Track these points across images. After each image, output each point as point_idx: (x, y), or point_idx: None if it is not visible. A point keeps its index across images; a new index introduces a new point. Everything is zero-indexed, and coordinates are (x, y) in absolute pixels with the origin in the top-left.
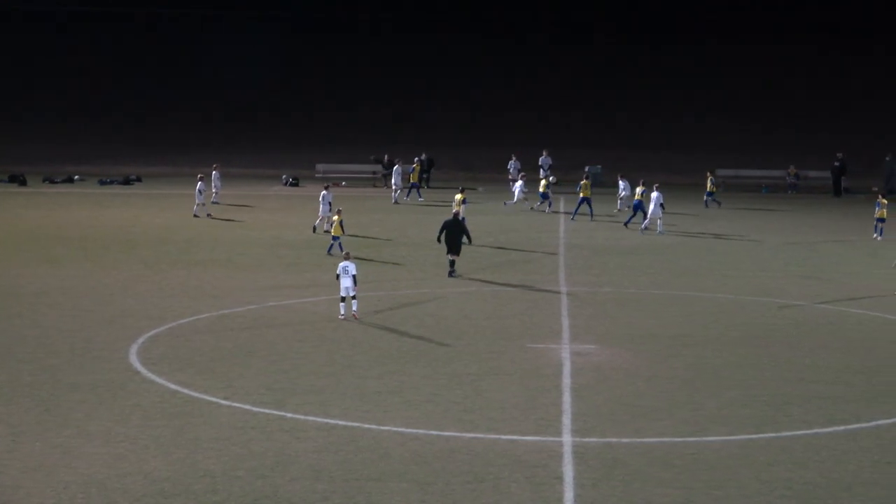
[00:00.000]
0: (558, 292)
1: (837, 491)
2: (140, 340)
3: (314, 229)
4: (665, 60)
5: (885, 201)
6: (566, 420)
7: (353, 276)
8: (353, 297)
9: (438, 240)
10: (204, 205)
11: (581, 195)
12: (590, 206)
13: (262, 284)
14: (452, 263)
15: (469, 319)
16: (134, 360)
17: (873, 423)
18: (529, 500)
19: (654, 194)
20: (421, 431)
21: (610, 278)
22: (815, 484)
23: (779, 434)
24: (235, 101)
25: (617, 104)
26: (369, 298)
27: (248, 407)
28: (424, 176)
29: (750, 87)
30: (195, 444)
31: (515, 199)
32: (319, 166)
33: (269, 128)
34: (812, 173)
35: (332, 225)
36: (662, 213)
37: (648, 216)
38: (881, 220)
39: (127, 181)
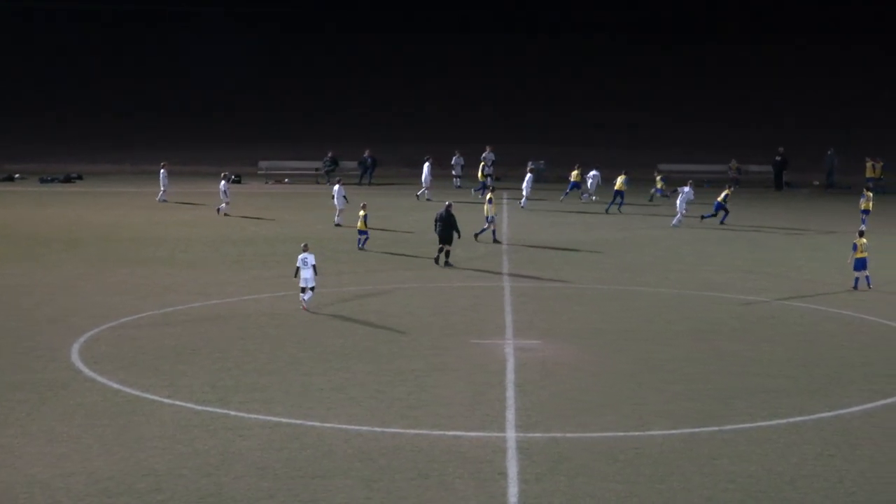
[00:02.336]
0: (502, 288)
1: (780, 484)
2: (82, 339)
3: (336, 224)
4: (610, 57)
5: (870, 193)
6: (510, 416)
7: (313, 267)
8: (312, 289)
9: (435, 229)
10: (228, 203)
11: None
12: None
13: (205, 282)
14: (446, 253)
15: (413, 316)
16: (76, 359)
17: (815, 416)
18: (474, 495)
19: (685, 188)
20: (365, 428)
21: (554, 273)
22: (757, 477)
23: (722, 428)
24: (177, 98)
25: (562, 100)
26: (313, 295)
27: (191, 405)
28: (367, 174)
29: (693, 83)
30: (139, 442)
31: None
32: (262, 163)
33: (212, 125)
34: (754, 168)
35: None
36: (686, 209)
37: (678, 212)
38: (866, 211)
39: (68, 179)
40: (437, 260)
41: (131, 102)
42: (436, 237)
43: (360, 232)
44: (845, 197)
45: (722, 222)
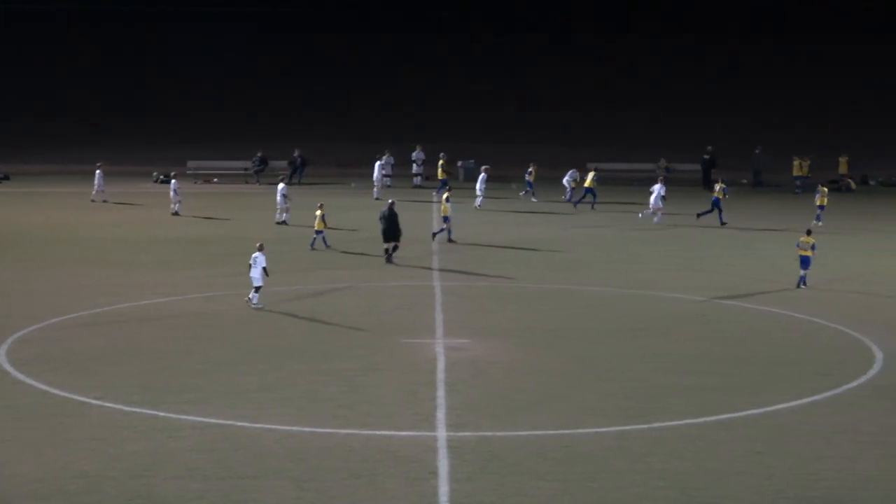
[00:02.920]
0: (433, 287)
1: (711, 480)
2: (10, 341)
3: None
4: (544, 55)
5: (825, 189)
6: (441, 415)
7: (263, 268)
8: (257, 289)
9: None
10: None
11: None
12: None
13: (135, 282)
14: (391, 249)
15: (345, 315)
16: (3, 360)
17: (745, 413)
18: (405, 495)
19: (657, 185)
20: (296, 428)
21: (486, 272)
22: (689, 474)
23: (653, 425)
24: (104, 98)
25: (493, 98)
26: (244, 295)
27: (121, 406)
28: (294, 175)
29: (624, 80)
30: (68, 444)
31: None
32: (191, 163)
33: (140, 125)
34: (682, 166)
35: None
36: (662, 204)
37: (651, 207)
38: (821, 207)
39: None
40: (387, 258)
41: (60, 102)
42: (380, 235)
43: (318, 231)
44: (774, 195)
45: (722, 222)
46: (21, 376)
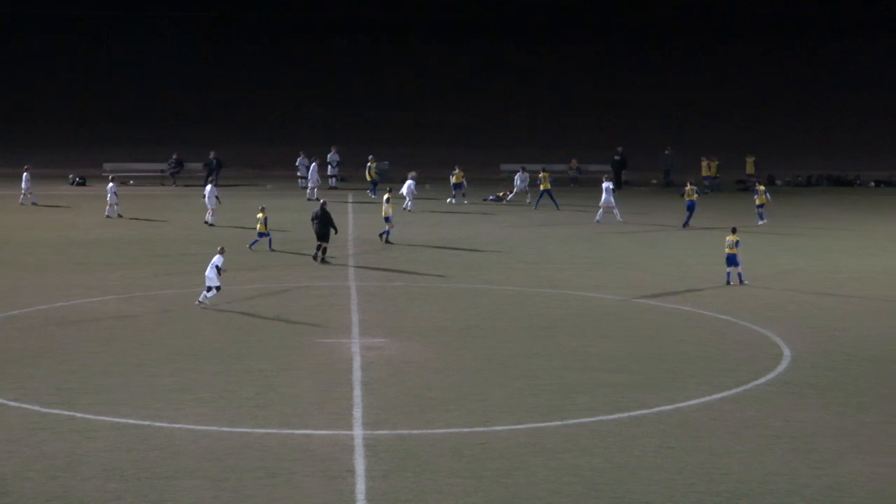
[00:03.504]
0: (348, 287)
1: (623, 475)
2: None
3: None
4: (452, 57)
5: (762, 188)
6: (357, 413)
7: (217, 268)
8: (210, 288)
9: (314, 228)
10: (118, 204)
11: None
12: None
13: (50, 284)
14: (322, 250)
15: (259, 316)
16: None
17: (656, 410)
18: (322, 493)
19: (606, 184)
20: (213, 428)
21: (399, 273)
22: (601, 470)
23: (565, 422)
24: (19, 99)
25: (405, 100)
26: (160, 297)
27: (37, 408)
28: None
29: (536, 83)
30: None
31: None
32: (107, 165)
33: (55, 127)
34: (593, 167)
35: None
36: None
37: (604, 208)
38: (761, 206)
39: None
40: (315, 257)
41: None
42: (310, 236)
43: (260, 234)
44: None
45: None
46: None
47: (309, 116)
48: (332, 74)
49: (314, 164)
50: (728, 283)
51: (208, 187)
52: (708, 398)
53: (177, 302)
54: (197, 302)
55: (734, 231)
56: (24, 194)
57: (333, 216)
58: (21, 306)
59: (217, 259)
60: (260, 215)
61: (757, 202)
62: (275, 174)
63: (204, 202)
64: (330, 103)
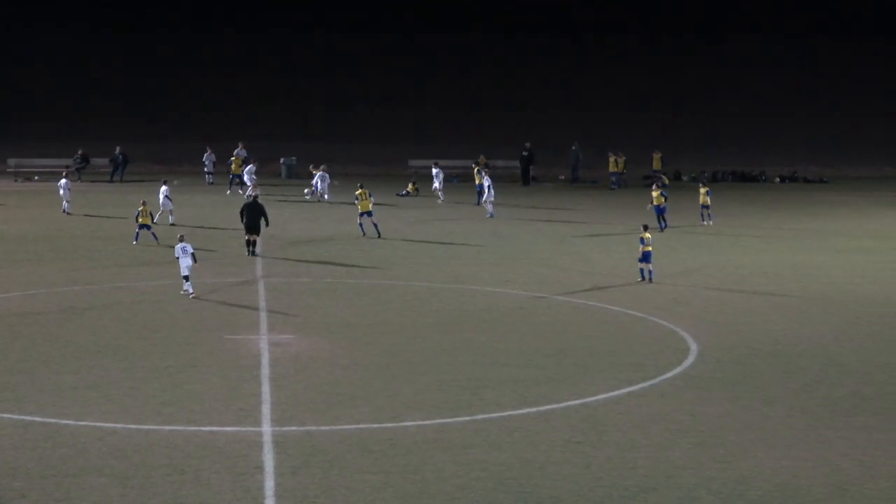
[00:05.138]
0: (255, 283)
1: (531, 470)
2: None
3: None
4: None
5: (703, 189)
6: (265, 410)
7: (192, 254)
8: (187, 278)
9: (242, 220)
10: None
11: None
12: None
13: None
14: (252, 243)
15: (165, 312)
16: None
17: (563, 405)
18: (230, 490)
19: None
20: (119, 425)
21: (307, 269)
22: (509, 465)
23: (473, 417)
24: None
25: (305, 97)
26: (64, 293)
27: None
28: (118, 171)
29: (443, 77)
30: None
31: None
32: (11, 160)
33: None
34: (500, 162)
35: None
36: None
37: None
38: (706, 206)
39: None
40: (251, 253)
41: None
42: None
43: (143, 226)
44: (590, 191)
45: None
46: None
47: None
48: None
49: (252, 165)
50: (643, 279)
51: (163, 187)
52: (615, 393)
53: (81, 298)
54: (189, 293)
55: (646, 228)
56: None
57: (235, 214)
58: None
59: (189, 247)
60: (141, 208)
61: (701, 201)
62: (181, 170)
63: (159, 204)
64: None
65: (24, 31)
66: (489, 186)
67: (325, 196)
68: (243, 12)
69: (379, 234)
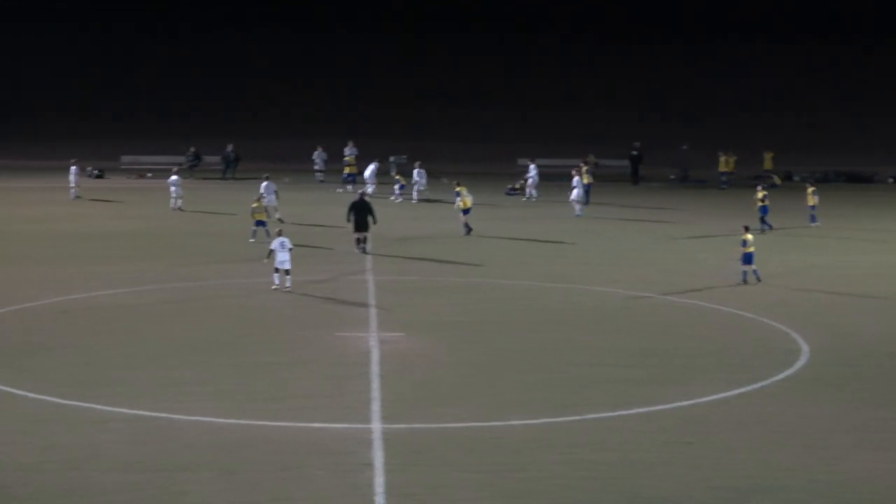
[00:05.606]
0: (364, 280)
1: (637, 470)
2: None
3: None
4: (472, 51)
5: (810, 189)
6: (374, 407)
7: (290, 250)
8: (287, 272)
9: (347, 219)
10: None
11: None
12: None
13: (66, 277)
14: (361, 241)
15: (274, 309)
16: None
17: (671, 406)
18: (337, 486)
19: (576, 178)
20: (228, 421)
21: (415, 267)
22: (615, 465)
23: (579, 417)
24: (31, 93)
25: (417, 96)
26: (175, 290)
27: (55, 399)
28: (230, 169)
29: (543, 77)
30: (3, 437)
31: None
32: (124, 158)
33: (74, 121)
34: (609, 162)
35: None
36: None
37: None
38: (813, 207)
39: None
40: (362, 250)
41: None
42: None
43: (258, 223)
44: (699, 191)
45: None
46: None
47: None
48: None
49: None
50: (744, 281)
51: (264, 183)
52: (723, 394)
53: (191, 295)
54: (284, 287)
55: (748, 229)
56: (73, 188)
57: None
58: (37, 299)
59: (288, 241)
60: (256, 204)
61: (809, 203)
62: (291, 167)
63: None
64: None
65: (137, 34)
66: (580, 186)
67: (420, 190)
68: (354, 12)
69: (468, 231)
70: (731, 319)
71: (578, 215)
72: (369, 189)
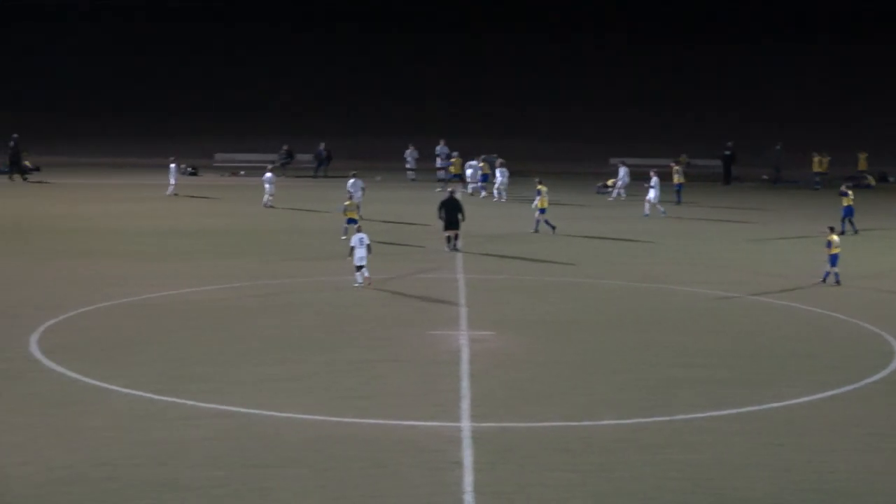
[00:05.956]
0: (455, 279)
1: (728, 472)
2: (39, 330)
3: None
4: (563, 50)
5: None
6: (464, 405)
7: (368, 246)
8: (364, 266)
9: (439, 216)
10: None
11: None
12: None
13: (159, 273)
14: (454, 238)
15: (365, 306)
16: (33, 348)
17: (762, 407)
18: (427, 484)
19: (655, 179)
20: (319, 418)
21: (505, 265)
22: (705, 466)
23: (670, 417)
24: (132, 93)
25: (517, 93)
26: (267, 286)
27: (146, 394)
28: (322, 167)
29: (643, 76)
30: (94, 432)
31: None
32: (218, 155)
33: (168, 119)
34: (701, 161)
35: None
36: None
37: (650, 200)
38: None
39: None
40: (453, 248)
41: (86, 97)
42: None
43: (350, 220)
44: (792, 192)
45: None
46: (49, 364)
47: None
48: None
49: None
50: (823, 281)
51: (351, 181)
52: (814, 395)
53: (282, 291)
54: (365, 283)
55: (833, 230)
56: (171, 184)
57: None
58: (131, 295)
59: (366, 238)
60: (348, 202)
61: (844, 203)
62: (381, 166)
63: (350, 195)
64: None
65: (228, 30)
66: (657, 187)
67: (501, 189)
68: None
69: (538, 230)
70: (822, 321)
71: (646, 215)
72: (470, 188)
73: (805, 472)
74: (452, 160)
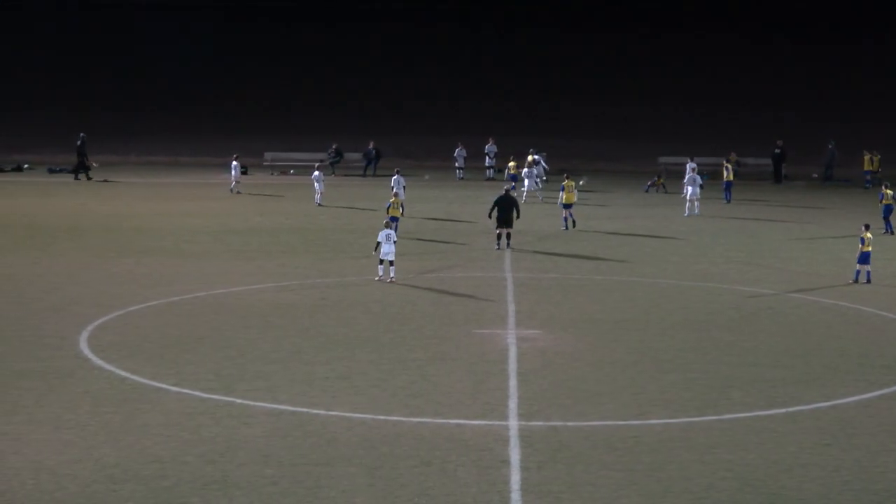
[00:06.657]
0: (504, 278)
1: (778, 472)
2: (89, 328)
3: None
4: (609, 48)
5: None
6: (512, 404)
7: (395, 242)
8: (391, 263)
9: (489, 215)
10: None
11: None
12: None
13: (209, 272)
14: (505, 236)
15: (414, 305)
16: (83, 347)
17: (812, 406)
18: (475, 483)
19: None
20: (368, 416)
21: (554, 264)
22: (755, 465)
23: (720, 417)
24: (173, 89)
25: (561, 92)
26: (316, 285)
27: (196, 393)
28: (371, 166)
29: (689, 74)
30: (144, 430)
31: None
32: (268, 154)
33: (219, 117)
34: (751, 160)
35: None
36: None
37: (688, 197)
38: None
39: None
40: (498, 245)
41: (135, 95)
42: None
43: (393, 218)
44: (843, 190)
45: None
46: (100, 362)
47: (462, 106)
48: (491, 65)
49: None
50: (856, 280)
51: (395, 177)
52: (866, 395)
53: (332, 290)
54: (388, 279)
55: (868, 228)
56: (235, 183)
57: (482, 209)
58: (181, 293)
59: (394, 234)
60: (393, 200)
61: (883, 202)
62: (431, 164)
63: (393, 192)
64: (487, 92)
65: (284, 29)
66: (695, 185)
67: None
68: (501, 12)
69: (567, 227)
70: (872, 320)
71: (687, 216)
72: (526, 184)
73: (854, 472)
74: (511, 163)
